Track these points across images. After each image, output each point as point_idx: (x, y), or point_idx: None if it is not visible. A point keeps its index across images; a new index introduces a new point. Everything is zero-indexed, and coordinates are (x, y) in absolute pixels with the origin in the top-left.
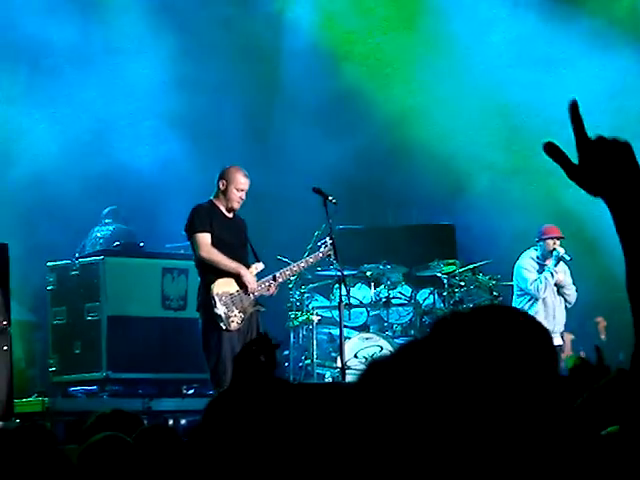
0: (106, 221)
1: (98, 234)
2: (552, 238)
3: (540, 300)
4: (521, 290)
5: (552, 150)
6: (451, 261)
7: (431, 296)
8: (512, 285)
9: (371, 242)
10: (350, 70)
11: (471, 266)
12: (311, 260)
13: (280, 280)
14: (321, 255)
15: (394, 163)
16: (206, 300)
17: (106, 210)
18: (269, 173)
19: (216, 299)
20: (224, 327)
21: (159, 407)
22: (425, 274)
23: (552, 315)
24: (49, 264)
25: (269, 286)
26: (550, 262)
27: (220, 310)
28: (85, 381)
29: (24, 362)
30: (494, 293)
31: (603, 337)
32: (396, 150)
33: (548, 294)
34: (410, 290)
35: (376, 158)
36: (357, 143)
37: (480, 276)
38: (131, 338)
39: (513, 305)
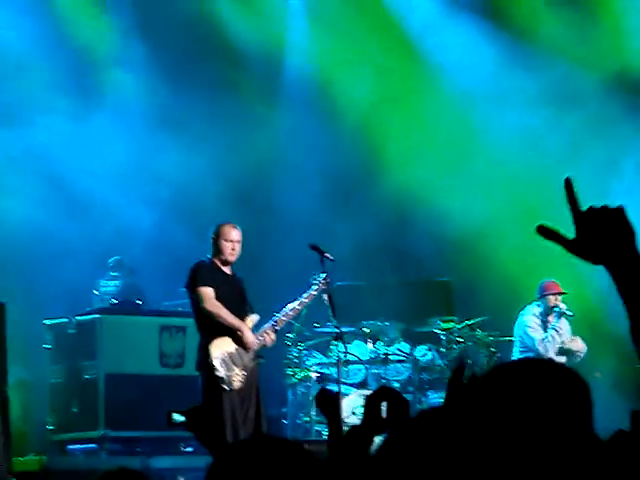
0: (112, 274)
1: (106, 289)
2: (553, 294)
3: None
4: (526, 347)
5: (545, 231)
6: (449, 318)
7: (429, 352)
8: (511, 341)
9: (369, 299)
10: (345, 126)
11: (469, 322)
12: (305, 300)
13: (278, 327)
14: (314, 293)
15: (391, 219)
16: (206, 362)
17: (111, 261)
18: (266, 229)
19: (215, 362)
20: (227, 388)
21: (157, 465)
22: (423, 330)
23: None
24: (46, 322)
25: (266, 337)
26: (552, 318)
27: (221, 372)
28: (83, 439)
29: (21, 421)
30: (492, 349)
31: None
32: (393, 206)
33: (553, 353)
34: (408, 347)
35: (373, 215)
36: (353, 200)
37: (478, 332)
38: (129, 396)
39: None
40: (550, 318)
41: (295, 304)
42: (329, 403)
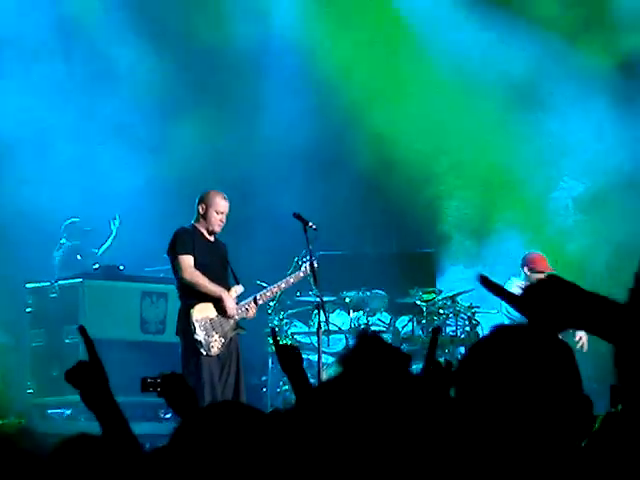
0: (61, 242)
1: (55, 260)
2: (538, 271)
3: None
4: (511, 319)
5: (486, 283)
6: (430, 289)
7: (410, 324)
8: (491, 313)
9: (351, 269)
10: (329, 95)
11: (450, 294)
12: (292, 280)
13: (261, 302)
14: (302, 275)
15: (375, 190)
16: (186, 325)
17: (63, 226)
18: (250, 198)
19: (196, 325)
20: (204, 353)
21: (136, 431)
22: (404, 301)
23: None
24: (28, 286)
25: (249, 309)
26: None
27: (200, 336)
28: (63, 404)
29: (2, 384)
30: (473, 321)
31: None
32: (377, 177)
33: None
34: (389, 317)
35: (356, 185)
36: (337, 170)
37: (459, 304)
38: (109, 361)
39: None
40: None
41: (281, 282)
42: (291, 360)
